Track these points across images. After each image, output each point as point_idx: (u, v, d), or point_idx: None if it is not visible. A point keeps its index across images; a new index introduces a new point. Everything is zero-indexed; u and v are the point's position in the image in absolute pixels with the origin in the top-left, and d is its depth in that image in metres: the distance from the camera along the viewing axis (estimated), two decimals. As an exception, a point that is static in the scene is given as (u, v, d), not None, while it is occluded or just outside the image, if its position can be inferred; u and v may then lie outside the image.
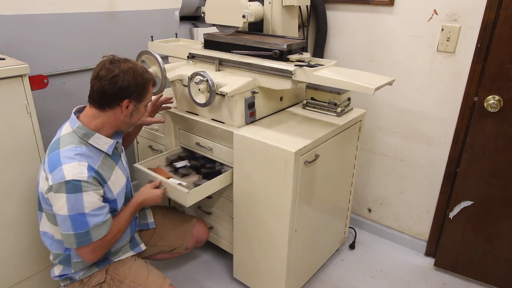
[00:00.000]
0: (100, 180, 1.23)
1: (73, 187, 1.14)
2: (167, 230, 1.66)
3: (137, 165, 1.67)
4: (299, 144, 1.42)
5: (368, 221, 2.29)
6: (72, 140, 1.22)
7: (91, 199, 1.17)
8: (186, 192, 1.46)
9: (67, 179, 1.13)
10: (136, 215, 1.53)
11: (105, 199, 1.26)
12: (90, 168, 1.19)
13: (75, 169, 1.15)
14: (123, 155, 1.45)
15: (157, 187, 1.49)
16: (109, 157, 1.32)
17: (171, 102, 1.70)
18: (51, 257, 1.37)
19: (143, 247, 1.52)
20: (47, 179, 1.17)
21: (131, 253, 1.47)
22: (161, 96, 1.66)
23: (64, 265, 1.35)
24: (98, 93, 1.21)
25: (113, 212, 1.33)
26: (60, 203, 1.15)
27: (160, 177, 1.54)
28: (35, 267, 1.61)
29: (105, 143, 1.28)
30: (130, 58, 1.31)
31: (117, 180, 1.34)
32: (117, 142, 1.33)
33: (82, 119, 1.26)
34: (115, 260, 1.40)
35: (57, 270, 1.36)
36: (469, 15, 1.64)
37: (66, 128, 1.26)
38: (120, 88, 1.20)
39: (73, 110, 1.29)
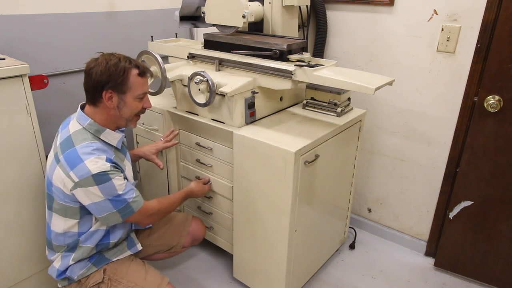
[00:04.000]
0: (119, 168, 1.30)
1: (102, 178, 1.21)
2: (164, 229, 1.66)
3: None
4: (299, 144, 1.42)
5: (368, 221, 2.29)
6: (85, 136, 1.27)
7: (119, 182, 1.25)
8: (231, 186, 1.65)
9: (94, 172, 1.19)
10: None
11: None
12: (108, 160, 1.25)
13: (97, 163, 1.21)
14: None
15: (205, 183, 1.73)
16: (118, 151, 1.38)
17: (174, 137, 1.78)
18: (52, 255, 1.37)
19: (139, 247, 1.52)
20: (69, 176, 1.21)
21: (128, 252, 1.47)
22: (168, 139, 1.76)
23: (67, 253, 1.34)
24: (84, 89, 1.29)
25: None
26: (95, 194, 1.21)
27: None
28: (35, 267, 1.61)
29: (114, 138, 1.34)
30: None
31: (129, 171, 1.41)
32: (124, 136, 1.41)
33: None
34: (112, 260, 1.41)
35: (56, 263, 1.36)
36: (469, 15, 1.64)
37: (74, 125, 1.30)
38: (94, 80, 1.23)
39: (79, 106, 1.34)
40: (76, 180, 1.20)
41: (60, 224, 1.31)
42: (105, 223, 1.31)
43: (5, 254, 1.50)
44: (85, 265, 1.36)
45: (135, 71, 1.27)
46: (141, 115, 1.40)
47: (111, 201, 1.24)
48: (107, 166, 1.22)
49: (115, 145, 1.34)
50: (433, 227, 2.03)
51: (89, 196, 1.22)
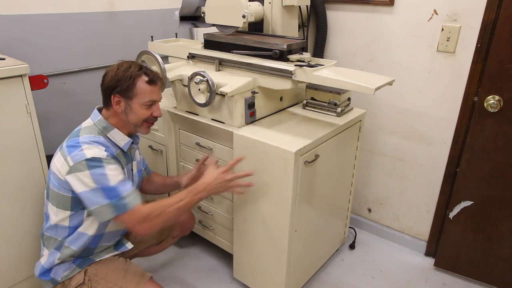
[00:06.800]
0: (119, 162, 1.29)
1: (95, 163, 1.20)
2: None
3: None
4: (299, 144, 1.42)
5: (368, 221, 2.29)
6: (92, 131, 1.30)
7: (112, 172, 1.22)
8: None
9: (88, 157, 1.19)
10: None
11: None
12: (108, 151, 1.26)
13: (93, 149, 1.22)
14: (135, 163, 1.48)
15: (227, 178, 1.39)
16: (122, 155, 1.37)
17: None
18: (43, 250, 1.37)
19: (129, 245, 1.50)
20: (66, 161, 1.22)
21: (114, 252, 1.45)
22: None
23: (54, 250, 1.33)
24: (101, 92, 1.33)
25: None
26: (86, 180, 1.19)
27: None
28: (33, 268, 1.61)
29: (122, 139, 1.35)
30: (131, 59, 1.33)
31: (128, 176, 1.39)
32: (132, 143, 1.39)
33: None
34: (96, 261, 1.39)
35: (43, 260, 1.35)
36: (469, 15, 1.64)
37: (87, 121, 1.34)
38: (106, 84, 1.29)
39: (96, 107, 1.38)
40: (71, 164, 1.20)
41: (52, 215, 1.31)
42: (97, 219, 1.24)
43: (4, 254, 1.50)
44: (69, 266, 1.34)
45: (144, 78, 1.29)
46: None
47: (103, 191, 1.19)
48: (103, 154, 1.22)
49: (121, 147, 1.35)
50: (433, 227, 2.03)
51: (81, 182, 1.19)
